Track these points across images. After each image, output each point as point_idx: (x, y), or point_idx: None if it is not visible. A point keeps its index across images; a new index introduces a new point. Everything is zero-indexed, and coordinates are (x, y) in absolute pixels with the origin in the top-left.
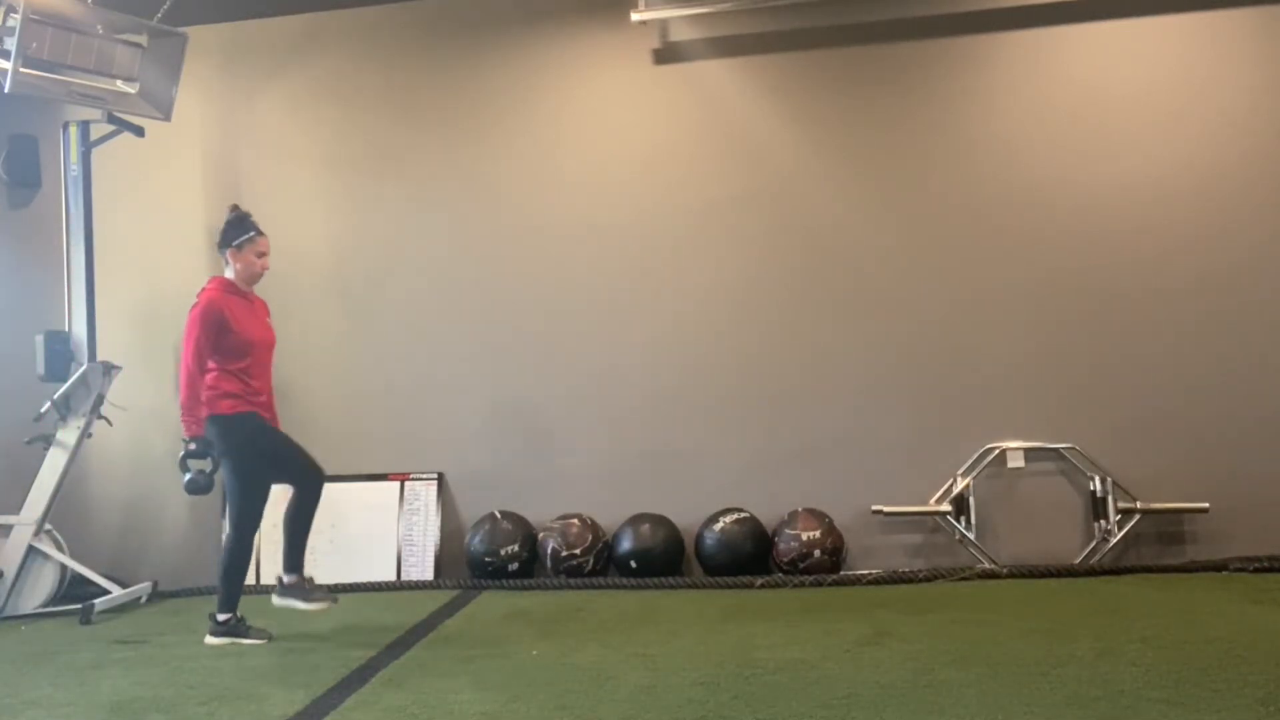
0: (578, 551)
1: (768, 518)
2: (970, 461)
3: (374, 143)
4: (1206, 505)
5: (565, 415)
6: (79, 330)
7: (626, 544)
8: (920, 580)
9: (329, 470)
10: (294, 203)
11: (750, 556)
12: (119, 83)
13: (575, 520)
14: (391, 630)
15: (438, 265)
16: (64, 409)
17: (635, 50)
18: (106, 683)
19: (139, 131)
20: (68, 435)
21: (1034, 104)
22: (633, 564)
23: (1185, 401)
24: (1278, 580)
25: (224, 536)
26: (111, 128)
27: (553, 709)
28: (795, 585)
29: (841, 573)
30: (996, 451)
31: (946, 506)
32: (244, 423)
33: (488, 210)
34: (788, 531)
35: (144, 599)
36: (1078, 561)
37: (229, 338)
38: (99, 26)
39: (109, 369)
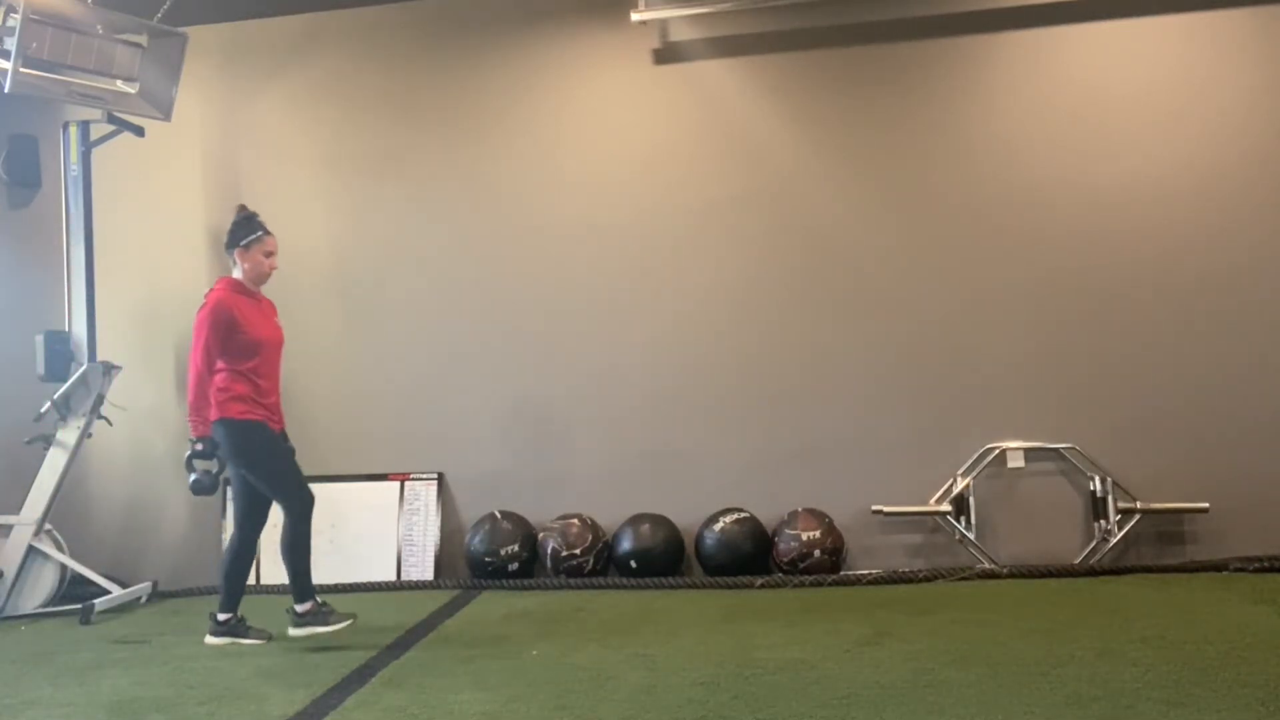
0: (578, 551)
1: (768, 518)
2: (970, 461)
3: (374, 143)
4: (1206, 505)
5: (565, 415)
6: (79, 330)
7: (626, 544)
8: (920, 580)
9: (329, 470)
10: (294, 203)
11: (750, 556)
12: (119, 83)
13: (575, 520)
14: (391, 630)
15: (438, 265)
16: (64, 409)
17: (635, 50)
18: (106, 683)
19: (139, 131)
20: (68, 435)
21: (1034, 104)
22: (633, 564)
23: (1185, 401)
24: (1278, 580)
25: (228, 537)
26: (111, 128)
27: (553, 709)
28: (795, 585)
29: (841, 573)
30: (996, 451)
31: (946, 506)
32: (253, 431)
33: (488, 210)
34: (788, 531)
35: (144, 599)
36: (1078, 561)
37: (238, 338)
38: (99, 26)
39: (109, 369)
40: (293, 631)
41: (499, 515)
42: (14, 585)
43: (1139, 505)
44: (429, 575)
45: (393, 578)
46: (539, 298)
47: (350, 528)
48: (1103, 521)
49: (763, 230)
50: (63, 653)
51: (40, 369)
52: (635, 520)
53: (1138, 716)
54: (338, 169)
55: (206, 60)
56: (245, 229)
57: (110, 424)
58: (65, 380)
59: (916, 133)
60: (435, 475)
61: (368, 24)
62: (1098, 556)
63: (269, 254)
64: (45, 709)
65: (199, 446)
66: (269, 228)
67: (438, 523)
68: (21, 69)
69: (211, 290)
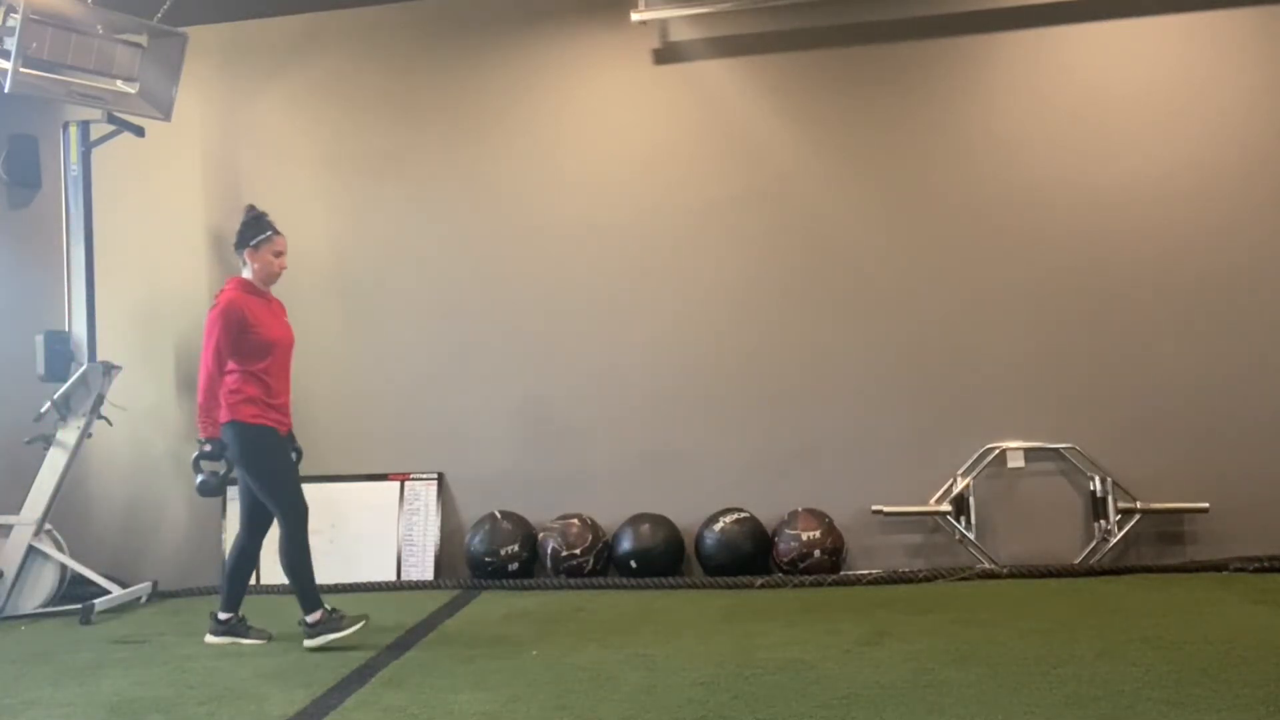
0: (578, 551)
1: (768, 518)
2: (970, 461)
3: (374, 143)
4: (1206, 505)
5: (565, 415)
6: (79, 330)
7: (626, 544)
8: (920, 580)
9: (329, 470)
10: (294, 203)
11: (750, 556)
12: (119, 83)
13: (575, 520)
14: (391, 630)
15: (438, 265)
16: (64, 409)
17: (635, 50)
18: (106, 683)
19: (139, 131)
20: (68, 435)
21: (1034, 104)
22: (633, 564)
23: (1185, 401)
24: (1278, 580)
25: (234, 538)
26: (111, 128)
27: (553, 709)
28: (795, 585)
29: (841, 573)
30: (996, 451)
31: (946, 506)
32: (261, 436)
33: (488, 210)
34: (788, 531)
35: (144, 599)
36: (1078, 561)
37: (249, 338)
38: (99, 26)
39: (109, 369)
40: (308, 643)
41: (499, 515)
42: (14, 585)
43: (1139, 505)
44: (429, 575)
45: (393, 578)
46: (539, 298)
47: (350, 528)
48: (1103, 521)
49: (763, 230)
50: (63, 653)
51: (40, 369)
52: (635, 520)
53: (1138, 716)
54: (338, 169)
55: (206, 60)
56: (255, 229)
57: (110, 424)
58: (65, 380)
59: (916, 133)
60: (435, 475)
61: (368, 24)
62: (1098, 556)
63: (279, 254)
64: (45, 709)
65: (207, 448)
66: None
67: (438, 523)
68: (21, 69)
69: (222, 290)
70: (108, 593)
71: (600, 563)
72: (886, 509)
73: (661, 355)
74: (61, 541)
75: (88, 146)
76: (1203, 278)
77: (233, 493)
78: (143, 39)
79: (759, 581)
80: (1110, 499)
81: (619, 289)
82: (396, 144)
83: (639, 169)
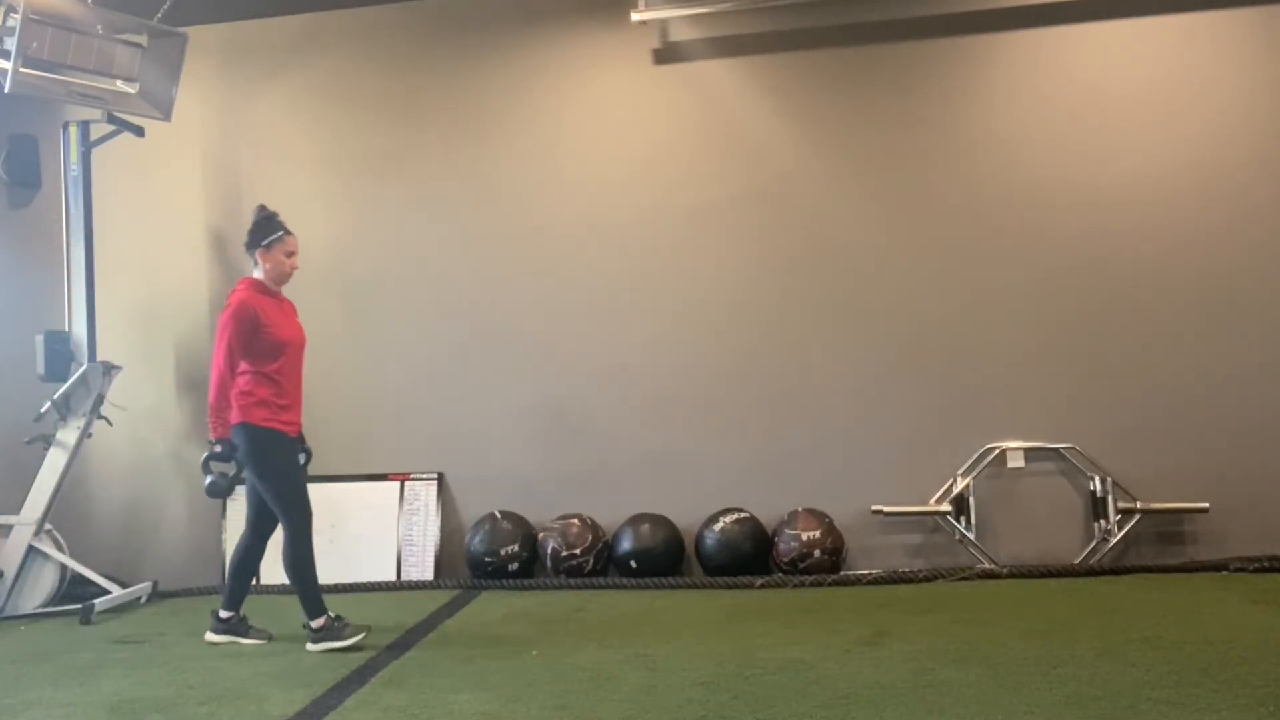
0: (578, 551)
1: (768, 518)
2: (970, 461)
3: (374, 143)
4: (1206, 505)
5: (565, 415)
6: (79, 330)
7: (626, 544)
8: (920, 580)
9: (329, 470)
10: (294, 203)
11: (750, 556)
12: (119, 83)
13: (575, 520)
14: (391, 630)
15: (438, 265)
16: (64, 409)
17: (635, 50)
18: (106, 683)
19: (139, 131)
20: (68, 435)
21: (1034, 104)
22: (633, 564)
23: (1185, 401)
24: (1278, 580)
25: (239, 536)
26: (111, 128)
27: (553, 709)
28: (795, 585)
29: (841, 573)
30: (996, 451)
31: (946, 506)
32: (271, 440)
33: (488, 210)
34: (788, 531)
35: (144, 599)
36: (1078, 561)
37: (261, 338)
38: (99, 26)
39: (109, 369)
40: (310, 647)
41: (499, 515)
42: (14, 585)
43: (1139, 505)
44: (429, 575)
45: (393, 578)
46: (539, 298)
47: (350, 528)
48: (1103, 521)
49: (763, 230)
50: (63, 653)
51: (40, 369)
52: (635, 520)
53: (1138, 716)
54: (338, 169)
55: (206, 60)
56: (266, 229)
57: (110, 424)
58: (65, 380)
59: (916, 133)
60: (435, 475)
61: (368, 24)
62: (1098, 556)
63: (290, 254)
64: (45, 709)
65: (217, 448)
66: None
67: (438, 523)
68: (21, 69)
69: (234, 291)
70: (108, 593)
71: (600, 563)
72: (886, 509)
73: (662, 355)
74: (61, 541)
75: (88, 146)
76: (1203, 278)
77: (236, 492)
78: (143, 39)
79: (759, 581)
80: (1110, 499)
81: (619, 289)
82: (396, 144)
83: (639, 169)
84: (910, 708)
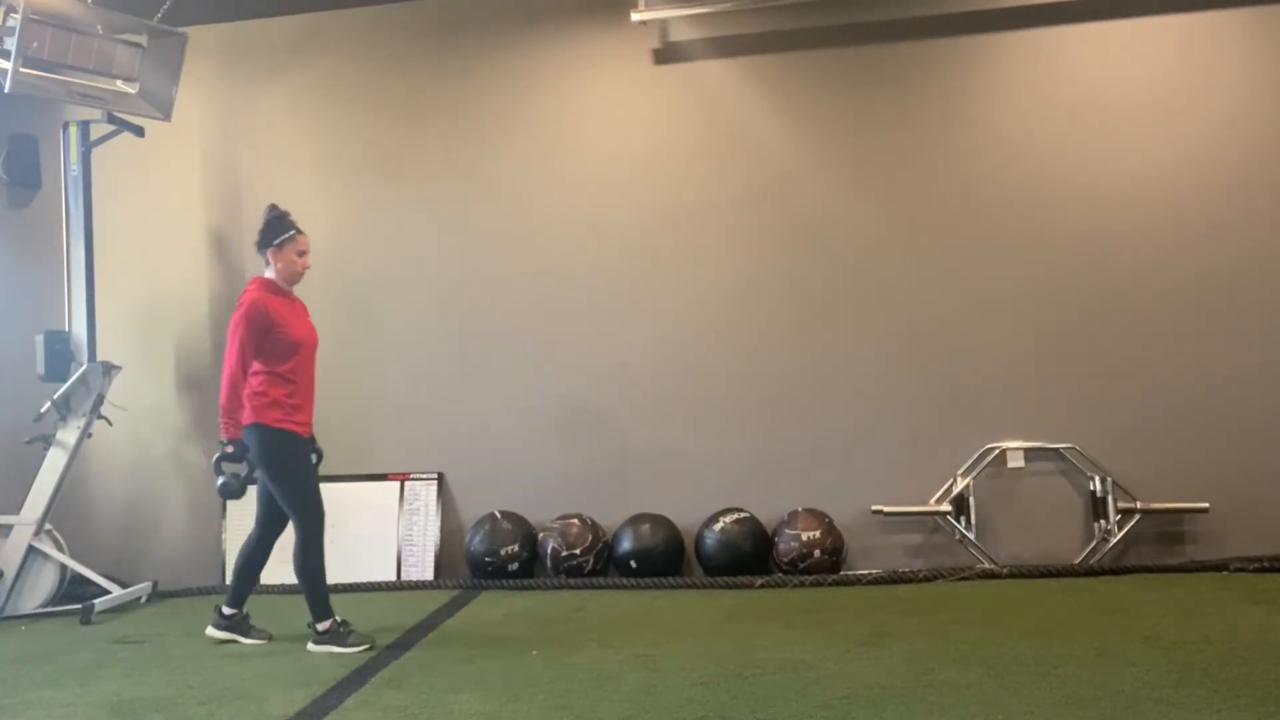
0: (578, 551)
1: (768, 518)
2: (970, 461)
3: (374, 143)
4: (1206, 505)
5: (565, 415)
6: (79, 330)
7: (626, 544)
8: (920, 580)
9: (329, 470)
10: (294, 203)
11: (750, 556)
12: (119, 83)
13: (575, 520)
14: (391, 630)
15: (438, 265)
16: (64, 409)
17: (635, 50)
18: (106, 683)
19: (139, 131)
20: (68, 435)
21: (1034, 104)
22: (633, 564)
23: (1185, 401)
24: (1278, 580)
25: (248, 536)
26: (111, 128)
27: (553, 709)
28: (795, 585)
29: (841, 573)
30: (996, 451)
31: (946, 506)
32: (284, 441)
33: (488, 210)
34: (788, 531)
35: (144, 599)
36: (1078, 561)
37: (274, 338)
38: (99, 26)
39: (109, 369)
40: (311, 648)
41: (499, 515)
42: (14, 585)
43: (1139, 505)
44: (429, 575)
45: (393, 578)
46: (539, 298)
47: (350, 528)
48: (1103, 521)
49: (763, 230)
50: (63, 653)
51: (40, 369)
52: (635, 520)
53: (1138, 716)
54: (338, 169)
55: (206, 60)
56: (278, 228)
57: (110, 424)
58: (65, 380)
59: (916, 133)
60: (435, 475)
61: (368, 24)
62: (1098, 556)
63: (302, 253)
64: (45, 709)
65: (229, 449)
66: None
67: (438, 523)
68: (21, 69)
69: (245, 291)
70: (108, 593)
71: (600, 563)
72: (886, 509)
73: (662, 355)
74: (61, 541)
75: (88, 146)
76: (1203, 278)
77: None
78: (143, 39)
79: (759, 581)
80: (1110, 499)
81: (619, 289)
82: (396, 144)
83: (639, 169)
84: (910, 708)
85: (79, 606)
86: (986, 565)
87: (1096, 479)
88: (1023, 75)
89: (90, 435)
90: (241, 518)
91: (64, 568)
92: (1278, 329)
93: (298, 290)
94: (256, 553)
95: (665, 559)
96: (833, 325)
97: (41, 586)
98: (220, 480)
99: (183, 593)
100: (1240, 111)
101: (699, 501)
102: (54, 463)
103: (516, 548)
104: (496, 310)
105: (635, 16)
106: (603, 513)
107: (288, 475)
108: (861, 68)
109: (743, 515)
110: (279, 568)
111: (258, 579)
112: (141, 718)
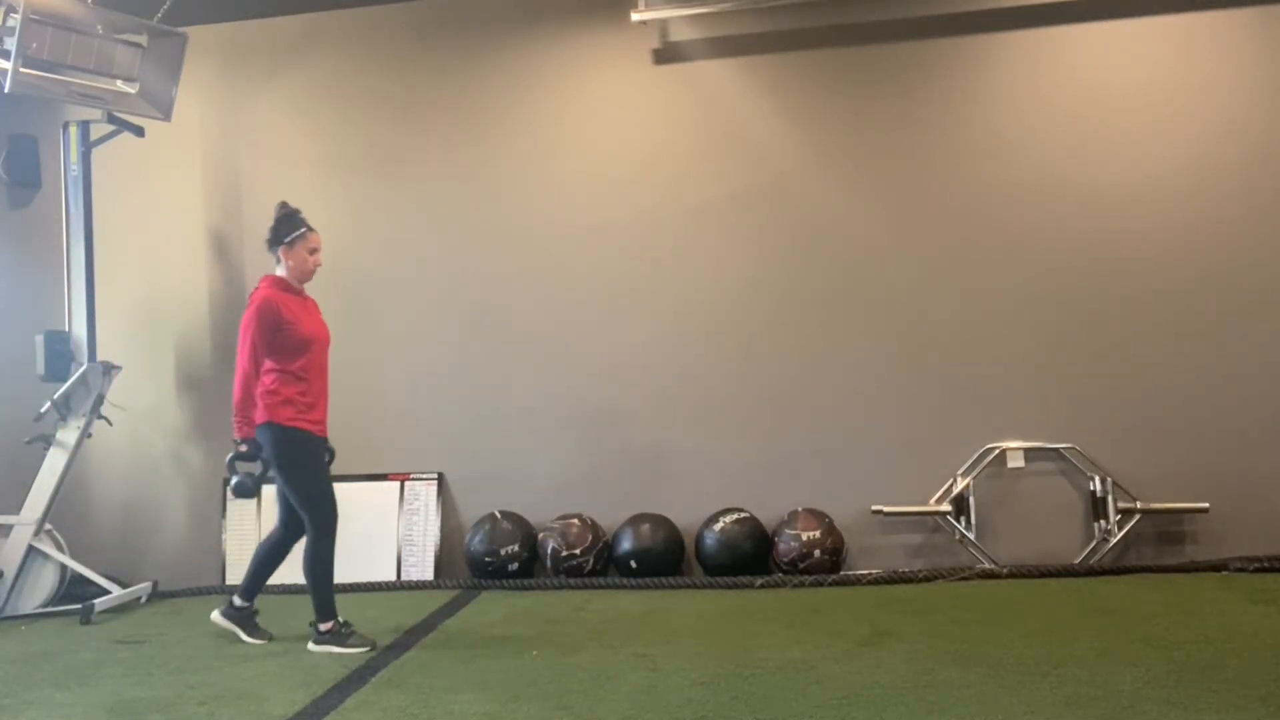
0: (578, 551)
1: (768, 518)
2: (970, 461)
3: (374, 143)
4: (1206, 505)
5: (565, 415)
6: (79, 330)
7: (626, 544)
8: (920, 580)
9: (331, 469)
10: (294, 203)
11: (750, 556)
12: (119, 83)
13: (575, 520)
14: (391, 630)
15: (437, 265)
16: (64, 409)
17: (635, 50)
18: (106, 683)
19: (139, 131)
20: (68, 435)
21: (1034, 104)
22: (633, 564)
23: (1185, 401)
24: (1278, 580)
25: (270, 532)
26: (111, 128)
27: (553, 709)
28: (795, 585)
29: (841, 573)
30: (996, 451)
31: (946, 506)
32: (296, 439)
33: (488, 210)
34: (788, 531)
35: (144, 599)
36: (1078, 561)
37: (286, 335)
38: (99, 26)
39: (109, 369)
40: (311, 647)
41: (499, 515)
42: (14, 585)
43: (1139, 505)
44: (429, 575)
45: (393, 578)
46: (539, 298)
47: (350, 527)
48: (1103, 521)
49: (763, 230)
50: (63, 653)
51: (40, 369)
52: (635, 520)
53: (1138, 716)
54: (338, 169)
55: (206, 60)
56: (289, 225)
57: (110, 424)
58: (65, 380)
59: (916, 133)
60: (435, 475)
61: (368, 24)
62: (1098, 556)
63: (314, 250)
64: (45, 709)
65: (243, 448)
66: (268, 228)
67: (438, 523)
68: (21, 69)
69: (256, 289)
70: (108, 593)
71: (600, 563)
72: (886, 509)
73: (661, 355)
74: (61, 541)
75: (88, 146)
76: (1203, 278)
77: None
78: (143, 39)
79: (759, 581)
80: (1110, 499)
81: (619, 289)
82: (396, 144)
83: (639, 169)
84: (910, 708)
85: (79, 606)
86: (986, 565)
87: (1096, 479)
88: (1023, 75)
89: (90, 435)
90: (242, 518)
91: (64, 568)
92: (1278, 329)
93: (309, 288)
94: (276, 550)
95: (665, 559)
96: (833, 325)
97: (41, 586)
98: (234, 480)
99: (183, 593)
100: (1240, 111)
101: (699, 501)
102: (54, 463)
103: (516, 548)
104: (496, 310)
105: (635, 16)
106: (603, 513)
107: (300, 474)
108: (861, 68)
109: (743, 515)
110: (281, 567)
111: (270, 575)
112: (141, 718)
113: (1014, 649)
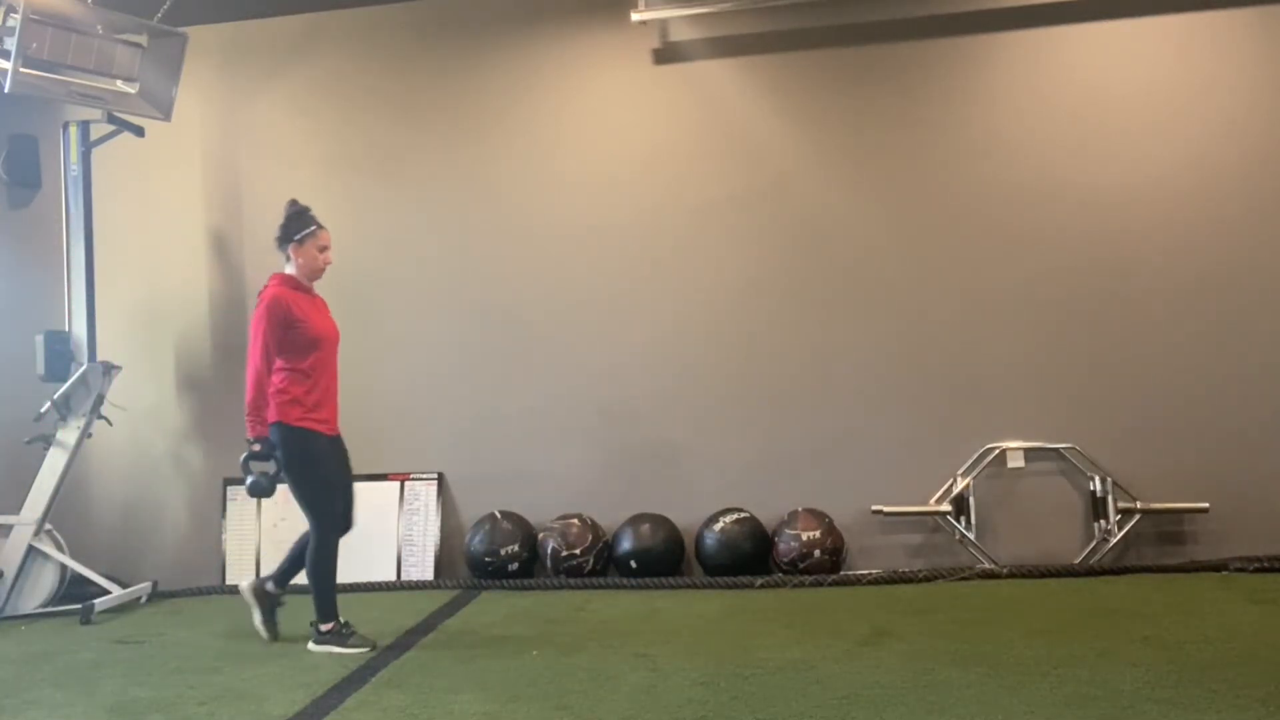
0: (578, 551)
1: (768, 518)
2: (970, 461)
3: (374, 143)
4: (1206, 505)
5: (565, 415)
6: (79, 330)
7: (626, 544)
8: (920, 580)
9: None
10: None
11: (750, 556)
12: (119, 83)
13: (575, 520)
14: (391, 630)
15: (437, 265)
16: (64, 409)
17: (635, 50)
18: (106, 683)
19: (139, 131)
20: (68, 435)
21: (1034, 104)
22: (633, 564)
23: (1185, 401)
24: (1278, 580)
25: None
26: (111, 128)
27: (553, 709)
28: (795, 585)
29: (841, 573)
30: (996, 451)
31: (946, 506)
32: (305, 439)
33: (488, 210)
34: (788, 531)
35: (144, 599)
36: (1078, 561)
37: (295, 333)
38: (99, 26)
39: (109, 369)
40: (311, 646)
41: (499, 515)
42: (14, 585)
43: (1139, 505)
44: (429, 575)
45: (393, 578)
46: (539, 297)
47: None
48: (1103, 521)
49: (763, 230)
50: (63, 653)
51: (40, 369)
52: (635, 520)
53: (1138, 716)
54: (338, 169)
55: (206, 60)
56: (299, 223)
57: (110, 424)
58: (65, 380)
59: (916, 133)
60: (435, 475)
61: (368, 24)
62: (1098, 556)
63: (323, 248)
64: (45, 709)
65: (256, 447)
66: (268, 228)
67: (438, 523)
68: (21, 69)
69: (265, 287)
70: (108, 593)
71: (600, 563)
72: (886, 509)
73: (661, 355)
74: (61, 541)
75: (88, 146)
76: (1203, 278)
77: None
78: (143, 39)
79: (759, 581)
80: (1110, 499)
81: (619, 289)
82: (396, 144)
83: (639, 169)
84: (910, 708)
85: (79, 606)
86: (986, 565)
87: (1096, 479)
88: (1023, 75)
89: (90, 435)
90: (242, 518)
91: (64, 568)
92: (1278, 329)
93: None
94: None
95: (665, 559)
96: (833, 325)
97: (41, 586)
98: (249, 480)
99: (183, 593)
100: (1240, 111)
101: (699, 501)
102: (54, 463)
103: (516, 548)
104: (496, 310)
105: (635, 16)
106: (603, 513)
107: (304, 474)
108: (861, 68)
109: (743, 515)
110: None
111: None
112: (141, 718)
113: (1014, 649)
